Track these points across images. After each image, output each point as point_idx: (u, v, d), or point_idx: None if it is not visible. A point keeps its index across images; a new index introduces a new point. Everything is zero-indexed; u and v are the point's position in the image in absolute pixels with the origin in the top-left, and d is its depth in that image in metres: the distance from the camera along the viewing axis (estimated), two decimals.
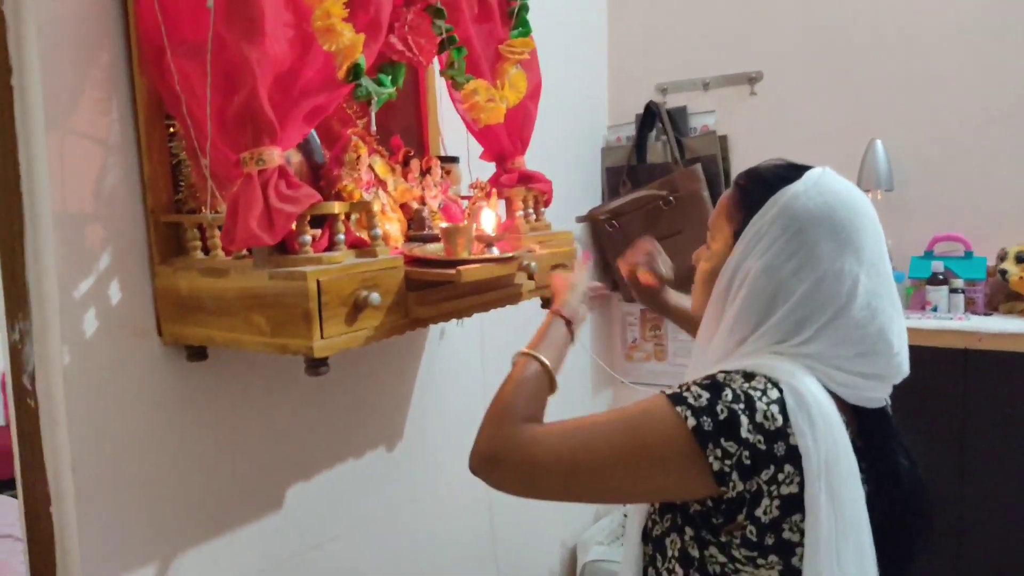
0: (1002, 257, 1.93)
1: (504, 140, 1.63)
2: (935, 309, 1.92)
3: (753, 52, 2.43)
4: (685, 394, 0.85)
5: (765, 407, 0.83)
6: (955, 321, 1.83)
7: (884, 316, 0.89)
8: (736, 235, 0.94)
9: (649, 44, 2.62)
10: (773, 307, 0.89)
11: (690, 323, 1.32)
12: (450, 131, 1.75)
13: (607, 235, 2.52)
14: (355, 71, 1.15)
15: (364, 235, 1.22)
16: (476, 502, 2.04)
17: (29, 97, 1.11)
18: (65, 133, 1.12)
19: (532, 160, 1.79)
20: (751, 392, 0.84)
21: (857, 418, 0.92)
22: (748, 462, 0.81)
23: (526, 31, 1.60)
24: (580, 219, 2.41)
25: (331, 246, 1.15)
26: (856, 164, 2.18)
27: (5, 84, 1.11)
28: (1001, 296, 1.96)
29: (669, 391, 0.87)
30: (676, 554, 0.93)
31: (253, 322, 1.10)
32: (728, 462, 0.81)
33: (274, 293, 1.07)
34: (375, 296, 1.11)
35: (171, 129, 1.21)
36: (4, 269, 1.13)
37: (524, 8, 1.60)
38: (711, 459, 0.81)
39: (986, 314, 1.93)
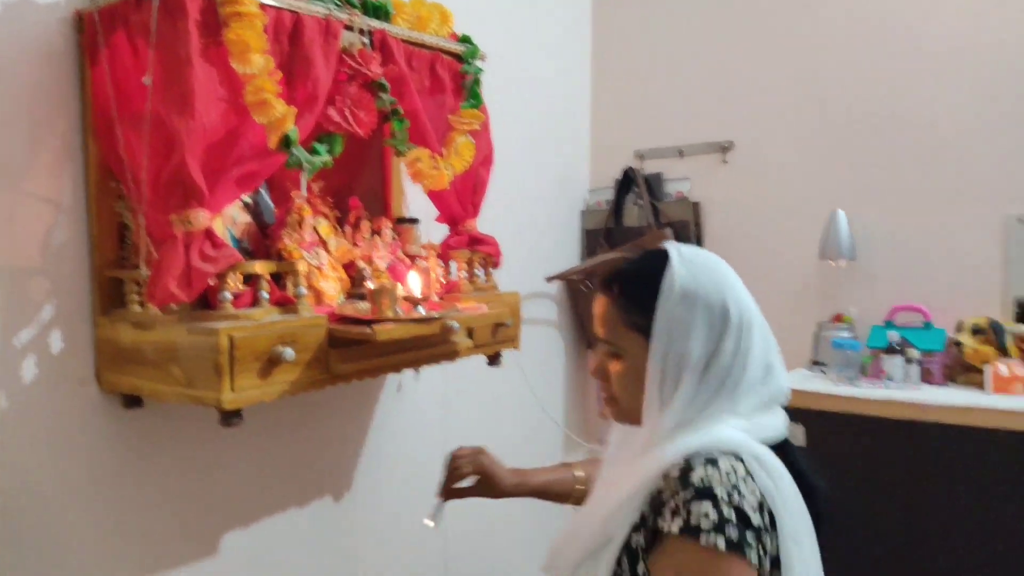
0: (959, 329, 1.94)
1: (455, 204, 1.71)
2: (891, 379, 1.93)
3: (726, 122, 2.50)
4: (693, 524, 0.87)
5: (747, 487, 0.90)
6: (902, 391, 1.83)
7: (773, 351, 1.02)
8: (644, 332, 0.98)
9: (629, 112, 2.71)
10: (710, 376, 0.97)
11: (563, 492, 1.35)
12: (414, 193, 1.83)
13: (582, 295, 2.57)
14: (286, 141, 1.23)
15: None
16: (431, 554, 2.05)
17: None
18: (17, 194, 1.22)
19: (511, 221, 1.86)
20: (730, 478, 0.90)
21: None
22: (763, 540, 0.89)
23: (477, 103, 1.68)
24: (550, 279, 2.46)
25: (255, 303, 1.22)
26: (820, 233, 2.22)
27: None
28: (959, 368, 1.96)
29: (675, 532, 0.88)
30: None
31: (172, 374, 1.17)
32: (757, 547, 0.88)
33: (190, 347, 1.13)
34: (289, 352, 1.18)
35: (119, 192, 1.30)
36: None
37: (476, 82, 1.68)
38: (749, 555, 0.87)
39: (942, 385, 1.93)
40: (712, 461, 0.91)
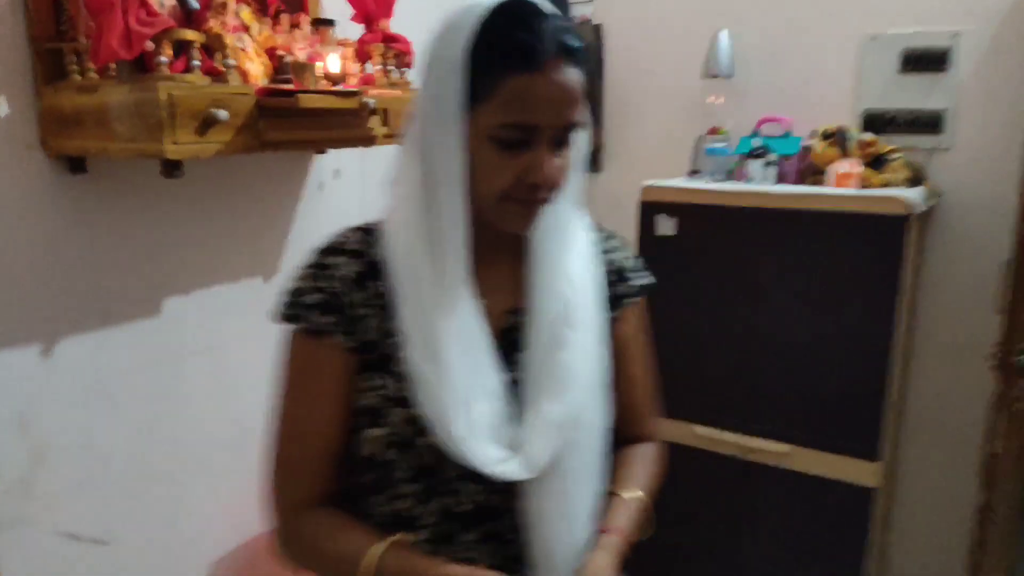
0: (812, 136, 2.23)
1: (370, 3, 1.83)
2: (752, 179, 2.23)
3: None
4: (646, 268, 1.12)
5: None
6: (757, 185, 2.14)
7: None
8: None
9: None
10: None
11: None
12: None
13: None
14: None
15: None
16: None
17: None
18: None
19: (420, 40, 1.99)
20: None
21: None
22: None
23: None
24: None
25: (187, 70, 1.37)
26: (705, 53, 2.44)
27: None
28: (809, 171, 2.27)
29: (651, 281, 1.11)
30: None
31: (117, 131, 1.32)
32: None
33: (133, 104, 1.29)
34: (223, 113, 1.34)
35: None
36: None
37: None
38: None
39: (794, 184, 2.24)
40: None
